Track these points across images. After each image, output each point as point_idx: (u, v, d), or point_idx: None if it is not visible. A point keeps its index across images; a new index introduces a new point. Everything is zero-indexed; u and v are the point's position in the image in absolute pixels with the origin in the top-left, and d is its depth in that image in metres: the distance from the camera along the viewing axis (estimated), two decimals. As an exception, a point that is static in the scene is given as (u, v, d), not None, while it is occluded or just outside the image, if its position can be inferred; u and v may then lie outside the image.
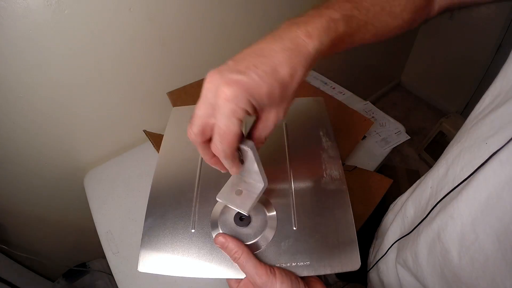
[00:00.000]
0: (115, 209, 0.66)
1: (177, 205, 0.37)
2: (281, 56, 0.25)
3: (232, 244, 0.32)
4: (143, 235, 0.36)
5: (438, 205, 0.33)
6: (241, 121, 0.25)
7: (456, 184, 0.30)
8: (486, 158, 0.27)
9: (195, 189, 0.39)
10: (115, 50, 0.61)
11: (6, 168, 0.66)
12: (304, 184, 0.38)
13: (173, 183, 0.40)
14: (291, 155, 0.41)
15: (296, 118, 0.46)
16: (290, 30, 0.27)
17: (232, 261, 0.33)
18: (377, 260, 0.46)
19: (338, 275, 0.78)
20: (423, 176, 0.39)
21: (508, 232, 0.25)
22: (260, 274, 0.30)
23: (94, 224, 0.65)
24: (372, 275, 0.47)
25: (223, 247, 0.33)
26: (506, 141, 0.25)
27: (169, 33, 0.67)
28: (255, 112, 0.27)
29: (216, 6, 0.70)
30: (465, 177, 0.29)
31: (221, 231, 0.35)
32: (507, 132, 0.26)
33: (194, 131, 0.26)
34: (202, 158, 0.39)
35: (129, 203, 0.67)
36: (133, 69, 0.67)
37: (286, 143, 0.43)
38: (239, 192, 0.33)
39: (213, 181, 0.39)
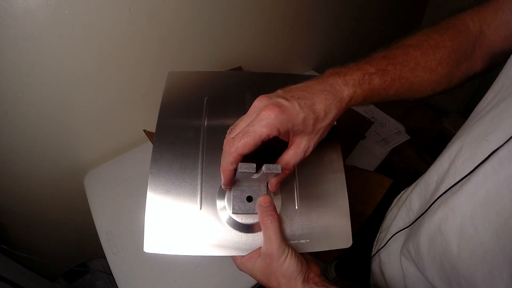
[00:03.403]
0: (115, 209, 0.66)
1: (181, 181, 0.37)
2: (320, 95, 0.31)
3: (271, 208, 0.35)
4: (146, 214, 0.36)
5: (439, 198, 0.34)
6: (267, 137, 0.29)
7: (458, 180, 0.31)
8: (487, 155, 0.28)
9: (199, 164, 0.38)
10: (115, 50, 0.61)
11: (6, 168, 0.66)
12: (307, 167, 0.40)
13: (174, 157, 0.39)
14: None
15: None
16: (332, 77, 0.32)
17: (241, 233, 0.36)
18: (378, 250, 0.48)
19: (339, 274, 0.78)
20: (428, 169, 0.40)
21: (506, 227, 0.26)
22: (279, 246, 0.32)
23: (94, 224, 0.65)
24: (374, 266, 0.49)
25: (263, 207, 0.34)
26: (506, 139, 0.26)
27: (169, 33, 0.67)
28: (287, 137, 0.32)
29: (216, 5, 0.70)
30: (466, 173, 0.30)
31: (229, 211, 0.36)
32: (506, 129, 0.27)
33: (233, 135, 0.31)
34: (205, 128, 0.40)
35: (129, 203, 0.67)
36: (133, 69, 0.67)
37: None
38: (250, 199, 0.36)
39: (218, 154, 0.37)
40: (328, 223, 0.37)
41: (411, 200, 0.42)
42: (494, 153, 0.27)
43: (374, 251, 0.51)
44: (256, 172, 0.31)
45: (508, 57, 0.33)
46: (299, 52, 1.04)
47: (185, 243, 0.35)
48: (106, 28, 0.57)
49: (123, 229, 0.63)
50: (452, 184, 0.32)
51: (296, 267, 0.32)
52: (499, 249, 0.27)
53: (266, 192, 0.36)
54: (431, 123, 1.56)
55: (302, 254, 0.35)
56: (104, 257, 0.60)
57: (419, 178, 0.43)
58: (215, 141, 0.39)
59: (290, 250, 0.32)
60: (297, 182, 0.39)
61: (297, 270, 0.32)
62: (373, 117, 0.92)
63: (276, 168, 0.31)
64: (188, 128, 0.40)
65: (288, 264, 0.32)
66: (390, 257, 0.44)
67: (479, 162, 0.28)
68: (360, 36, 1.22)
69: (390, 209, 0.53)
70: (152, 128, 0.71)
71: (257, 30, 0.84)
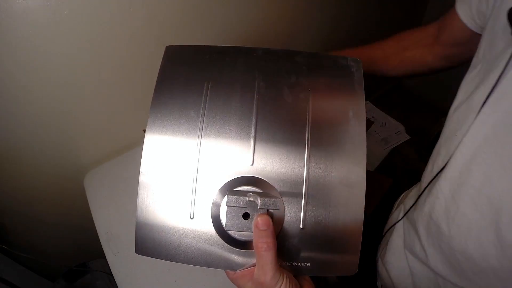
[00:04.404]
0: (115, 209, 0.66)
1: (173, 184, 0.34)
2: None
3: (268, 233, 0.30)
4: (137, 216, 0.33)
5: (425, 191, 0.41)
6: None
7: (436, 173, 0.38)
8: (456, 146, 0.34)
9: (195, 167, 0.34)
10: (115, 50, 0.61)
11: (6, 168, 0.66)
12: (319, 179, 0.33)
13: (168, 155, 0.35)
14: (312, 138, 0.35)
15: (324, 85, 0.37)
16: None
17: (234, 248, 0.32)
18: (382, 252, 0.50)
19: (340, 276, 0.78)
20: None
21: (481, 195, 0.32)
22: (273, 277, 0.29)
23: (94, 224, 0.65)
24: (380, 268, 0.51)
25: (259, 230, 0.30)
26: (467, 130, 0.33)
27: (169, 33, 0.67)
28: None
29: (216, 5, 0.70)
30: (443, 165, 0.36)
31: (224, 224, 0.32)
32: (467, 123, 0.34)
33: None
34: (203, 122, 0.35)
35: (129, 203, 0.67)
36: (133, 69, 0.67)
37: (307, 121, 0.35)
38: (246, 216, 0.32)
39: (217, 155, 0.34)
40: (335, 247, 0.33)
41: (405, 205, 0.48)
42: (461, 142, 0.34)
43: (379, 254, 0.52)
44: (247, 207, 0.28)
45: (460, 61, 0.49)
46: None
47: (175, 251, 0.33)
48: (106, 28, 0.57)
49: (123, 229, 0.63)
50: (433, 177, 0.38)
51: None
52: (479, 216, 0.32)
53: (266, 210, 0.31)
54: (431, 123, 1.55)
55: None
56: (104, 257, 0.60)
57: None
58: (214, 140, 0.34)
59: (284, 280, 0.30)
60: (305, 196, 0.33)
61: None
62: (373, 117, 0.92)
63: (274, 204, 0.27)
64: (184, 121, 0.35)
65: None
66: (395, 257, 0.47)
67: (452, 153, 0.35)
68: (357, 35, 1.22)
69: (392, 213, 0.54)
70: (152, 128, 0.71)
71: (258, 31, 0.83)
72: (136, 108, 0.75)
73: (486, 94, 0.32)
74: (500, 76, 0.31)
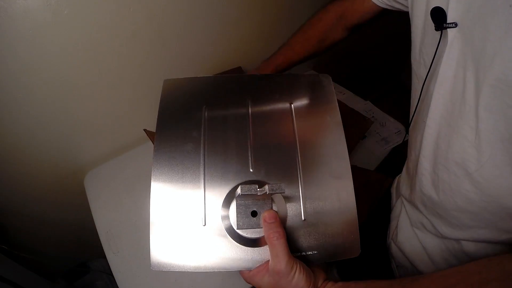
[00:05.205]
0: (115, 209, 0.66)
1: (183, 198, 0.37)
2: None
3: (276, 224, 0.33)
4: (151, 232, 0.35)
5: (415, 175, 0.47)
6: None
7: (418, 156, 0.45)
8: (423, 129, 0.42)
9: (201, 178, 0.37)
10: (115, 50, 0.61)
11: (6, 168, 0.66)
12: (312, 174, 0.38)
13: (176, 172, 0.38)
14: (300, 141, 0.40)
15: (303, 98, 0.44)
16: None
17: (247, 247, 0.35)
18: (393, 235, 0.56)
19: (340, 273, 0.78)
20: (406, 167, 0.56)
21: (448, 160, 0.39)
22: (287, 263, 0.32)
23: (94, 224, 0.65)
24: (394, 251, 0.56)
25: (268, 223, 0.34)
26: (427, 113, 0.40)
27: (169, 32, 0.67)
28: None
29: (216, 5, 0.70)
30: (420, 148, 0.44)
31: (234, 226, 0.35)
32: (425, 109, 0.42)
33: None
34: (205, 140, 0.39)
35: (129, 203, 0.67)
36: (133, 68, 0.67)
37: (294, 128, 0.41)
38: (254, 213, 0.35)
39: (220, 167, 0.38)
40: (336, 233, 0.36)
41: (403, 192, 0.54)
42: (426, 125, 0.41)
43: (389, 238, 0.58)
44: (257, 194, 0.31)
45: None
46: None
47: (191, 260, 0.35)
48: (106, 28, 0.57)
49: (123, 229, 0.63)
50: (417, 161, 0.45)
51: (305, 282, 0.32)
52: (453, 176, 0.39)
53: (271, 206, 0.35)
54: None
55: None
56: (104, 257, 0.60)
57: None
58: (216, 154, 0.38)
59: (298, 266, 0.32)
60: (302, 192, 0.37)
61: (306, 285, 0.32)
62: (373, 117, 0.92)
63: (280, 188, 0.30)
64: (188, 141, 0.39)
65: (297, 280, 0.32)
66: (406, 237, 0.52)
67: (422, 136, 0.43)
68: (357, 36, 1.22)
69: (395, 203, 0.59)
70: (152, 127, 0.71)
71: (256, 30, 0.84)
72: (136, 108, 0.75)
73: (431, 81, 0.40)
74: (431, 66, 0.38)
